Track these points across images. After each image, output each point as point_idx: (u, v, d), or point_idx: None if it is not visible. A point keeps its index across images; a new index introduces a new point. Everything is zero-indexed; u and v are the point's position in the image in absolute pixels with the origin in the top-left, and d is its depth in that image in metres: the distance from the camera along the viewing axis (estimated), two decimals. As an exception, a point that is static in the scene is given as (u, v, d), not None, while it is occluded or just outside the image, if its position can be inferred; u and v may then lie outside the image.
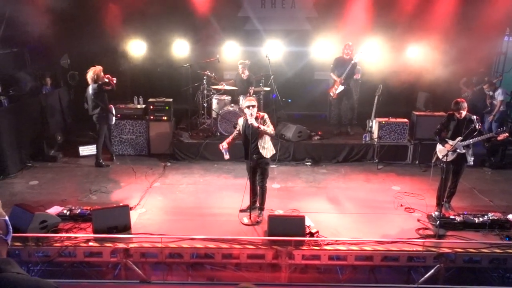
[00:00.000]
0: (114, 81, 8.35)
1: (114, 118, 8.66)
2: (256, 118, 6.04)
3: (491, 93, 9.61)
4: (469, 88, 10.41)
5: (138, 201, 6.95)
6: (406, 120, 9.26)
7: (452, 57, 9.74)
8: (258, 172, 6.32)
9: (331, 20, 10.45)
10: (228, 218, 6.42)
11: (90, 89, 8.24)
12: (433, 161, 6.63)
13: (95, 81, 8.15)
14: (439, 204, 6.46)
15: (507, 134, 6.07)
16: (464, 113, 6.15)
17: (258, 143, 6.09)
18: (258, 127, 5.96)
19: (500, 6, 9.32)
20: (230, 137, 6.43)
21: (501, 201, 7.13)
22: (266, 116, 6.19)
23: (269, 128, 6.08)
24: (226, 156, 6.27)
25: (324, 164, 8.96)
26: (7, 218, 2.01)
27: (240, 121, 6.31)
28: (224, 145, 6.25)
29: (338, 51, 9.63)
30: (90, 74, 8.15)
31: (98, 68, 8.18)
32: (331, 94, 9.70)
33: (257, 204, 6.49)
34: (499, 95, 9.45)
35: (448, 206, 6.70)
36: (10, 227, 2.01)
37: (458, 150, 6.24)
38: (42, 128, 9.24)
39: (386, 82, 9.75)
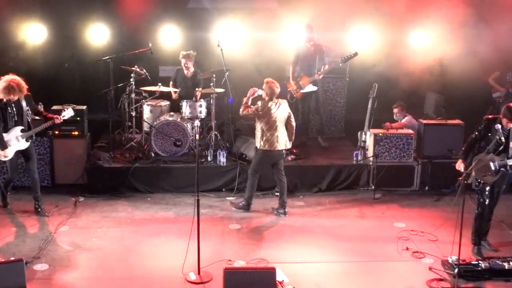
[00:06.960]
0: None
1: None
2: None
3: None
4: (504, 86, 10.68)
5: (36, 253, 6.78)
6: (411, 131, 9.42)
7: (467, 47, 10.06)
8: None
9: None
10: (168, 274, 6.35)
11: (23, 104, 7.91)
12: (474, 182, 6.77)
13: (21, 93, 7.84)
14: (476, 243, 6.80)
15: None
16: None
17: None
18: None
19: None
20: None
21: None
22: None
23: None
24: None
25: (301, 194, 9.05)
26: None
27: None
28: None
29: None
30: (16, 87, 7.79)
31: (17, 77, 7.86)
32: (292, 91, 9.93)
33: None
34: None
35: (487, 245, 6.99)
36: None
37: (502, 169, 6.51)
38: None
39: (382, 81, 9.99)
